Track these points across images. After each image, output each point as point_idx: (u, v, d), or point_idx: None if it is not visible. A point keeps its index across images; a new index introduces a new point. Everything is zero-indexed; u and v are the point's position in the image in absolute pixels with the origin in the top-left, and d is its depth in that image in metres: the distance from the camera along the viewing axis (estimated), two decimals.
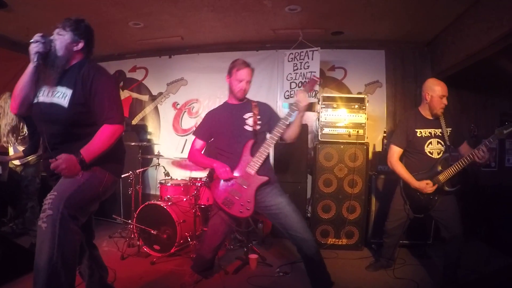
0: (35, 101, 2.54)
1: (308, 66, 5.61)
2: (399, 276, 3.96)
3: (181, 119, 6.89)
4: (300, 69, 5.67)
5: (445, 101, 3.55)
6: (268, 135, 3.32)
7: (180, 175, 6.00)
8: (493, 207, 5.31)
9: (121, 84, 7.10)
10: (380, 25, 5.44)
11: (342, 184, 4.95)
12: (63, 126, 2.48)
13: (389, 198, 4.10)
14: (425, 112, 3.71)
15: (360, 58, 6.27)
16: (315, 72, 5.53)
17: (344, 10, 4.97)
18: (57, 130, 2.50)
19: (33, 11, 5.00)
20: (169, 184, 5.13)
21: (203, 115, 6.48)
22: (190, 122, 6.88)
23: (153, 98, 7.09)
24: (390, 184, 4.08)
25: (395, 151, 3.78)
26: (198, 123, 6.54)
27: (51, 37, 2.52)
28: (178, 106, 6.92)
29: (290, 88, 5.76)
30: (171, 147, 6.72)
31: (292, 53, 5.76)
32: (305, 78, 5.62)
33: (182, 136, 6.85)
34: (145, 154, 5.83)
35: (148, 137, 7.04)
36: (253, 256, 4.29)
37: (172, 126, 6.97)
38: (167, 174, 5.49)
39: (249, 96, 3.52)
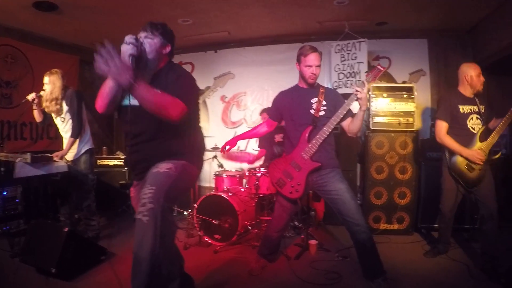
0: (126, 103, 2.58)
1: (356, 57, 5.70)
2: (452, 258, 4.11)
3: (230, 112, 7.06)
4: (348, 60, 5.75)
5: (482, 78, 3.83)
6: (328, 122, 3.36)
7: (231, 166, 6.14)
8: None
9: None
10: (422, 14, 5.49)
11: (393, 171, 5.08)
12: (152, 126, 2.55)
13: (437, 184, 4.20)
14: (465, 91, 3.90)
15: (404, 47, 6.33)
16: (362, 62, 5.64)
17: (388, 1, 5.06)
18: (145, 130, 2.59)
19: (83, 13, 5.20)
20: (224, 176, 5.26)
21: (252, 107, 6.88)
22: (239, 115, 7.05)
23: (200, 92, 7.21)
24: (438, 170, 4.15)
25: (443, 126, 3.88)
26: (247, 115, 6.81)
27: (140, 39, 2.53)
28: (226, 100, 7.08)
29: (339, 79, 5.85)
30: (221, 139, 6.68)
31: (339, 45, 5.84)
32: (353, 69, 5.72)
33: (231, 128, 7.02)
34: None
35: None
36: (313, 242, 4.43)
37: (221, 119, 7.14)
38: (221, 166, 5.65)
39: None
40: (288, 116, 3.61)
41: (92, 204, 4.76)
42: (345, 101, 3.38)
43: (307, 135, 3.42)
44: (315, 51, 3.42)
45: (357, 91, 3.20)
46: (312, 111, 3.47)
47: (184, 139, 2.69)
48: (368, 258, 3.37)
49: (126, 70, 2.21)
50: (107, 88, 2.49)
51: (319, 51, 3.48)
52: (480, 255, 3.92)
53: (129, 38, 2.42)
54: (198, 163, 2.86)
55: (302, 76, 3.52)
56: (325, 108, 3.48)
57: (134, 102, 2.49)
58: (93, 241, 4.29)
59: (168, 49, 2.70)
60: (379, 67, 3.32)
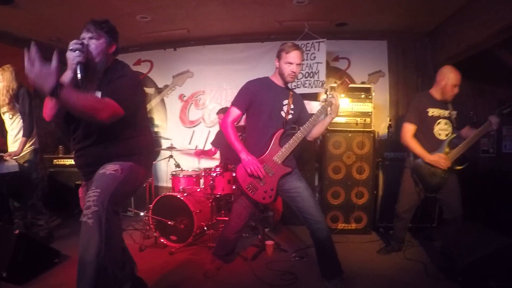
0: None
1: (315, 57, 5.74)
2: (408, 257, 4.15)
3: (188, 111, 6.96)
4: (307, 60, 5.77)
5: (456, 90, 3.74)
6: (299, 129, 3.38)
7: (188, 166, 6.08)
8: (492, 192, 5.51)
9: None
10: (383, 16, 5.57)
11: (350, 171, 5.11)
12: (95, 129, 2.50)
13: (394, 183, 4.26)
14: (436, 94, 3.86)
15: (363, 48, 6.40)
16: (321, 62, 5.69)
17: (348, 2, 5.09)
18: (89, 134, 2.53)
19: (39, 7, 5.03)
20: (181, 176, 5.19)
21: (210, 106, 6.80)
22: (197, 114, 6.96)
23: (159, 90, 7.14)
24: (396, 170, 4.23)
25: (409, 129, 3.88)
26: (205, 114, 6.72)
27: (85, 42, 2.42)
28: (185, 98, 6.98)
29: (297, 79, 5.84)
30: (179, 139, 6.77)
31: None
32: (312, 69, 5.75)
33: (189, 127, 6.93)
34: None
35: (155, 129, 7.08)
36: (269, 242, 4.41)
37: (179, 118, 7.03)
38: (178, 165, 5.57)
39: None
40: (261, 109, 3.42)
41: (37, 203, 4.64)
42: (306, 107, 3.56)
43: (279, 138, 3.38)
44: (298, 49, 3.34)
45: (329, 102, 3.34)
46: (283, 113, 3.43)
47: (130, 140, 2.63)
48: (326, 257, 3.39)
49: (48, 76, 2.06)
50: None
51: (302, 49, 3.42)
52: (439, 255, 3.98)
53: (74, 44, 2.32)
54: (146, 163, 2.80)
55: (280, 73, 3.43)
56: (292, 112, 3.47)
57: None
58: (46, 243, 4.17)
59: (113, 48, 2.60)
60: (346, 80, 3.46)
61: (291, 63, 3.31)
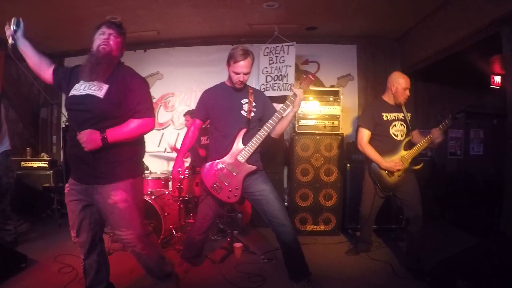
0: (69, 95, 2.67)
1: (284, 60, 5.77)
2: (375, 258, 4.22)
3: (157, 113, 6.87)
4: (276, 63, 5.81)
5: (407, 92, 3.85)
6: (263, 126, 3.34)
7: (157, 168, 6.04)
8: (459, 192, 5.64)
9: None
10: (352, 21, 5.67)
11: (318, 173, 5.15)
12: (94, 115, 2.56)
13: (362, 185, 4.29)
14: (389, 99, 3.96)
15: (333, 52, 6.50)
16: (290, 66, 5.72)
17: (319, 6, 5.16)
18: (88, 119, 2.57)
19: (8, 5, 4.89)
20: (149, 178, 5.17)
21: (179, 109, 6.77)
22: (166, 116, 6.91)
23: None
24: (363, 172, 4.25)
25: (365, 134, 3.97)
26: (174, 117, 6.70)
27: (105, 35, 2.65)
28: (154, 100, 6.83)
29: (266, 82, 5.90)
30: (148, 141, 6.51)
31: (268, 48, 5.89)
32: (281, 72, 5.77)
33: (158, 130, 6.82)
34: None
35: None
36: (238, 244, 4.41)
37: None
38: (146, 168, 5.52)
39: None
40: (217, 115, 3.48)
41: (6, 208, 4.54)
42: (271, 103, 3.54)
43: (241, 137, 3.36)
44: (247, 57, 3.27)
45: (294, 94, 3.30)
46: (243, 113, 3.42)
47: (127, 146, 2.72)
48: (293, 260, 3.41)
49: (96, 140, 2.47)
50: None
51: (252, 55, 3.35)
52: (405, 255, 4.05)
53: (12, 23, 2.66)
54: (141, 171, 2.99)
55: (229, 79, 3.42)
56: (255, 109, 3.45)
57: (77, 92, 2.61)
58: (12, 247, 4.09)
59: (123, 51, 2.79)
60: (310, 76, 3.39)
61: (238, 73, 3.29)
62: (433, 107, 6.27)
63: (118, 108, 2.60)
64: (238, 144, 3.36)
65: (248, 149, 3.33)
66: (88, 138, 2.44)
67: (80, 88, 2.61)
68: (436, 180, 5.92)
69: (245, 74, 3.32)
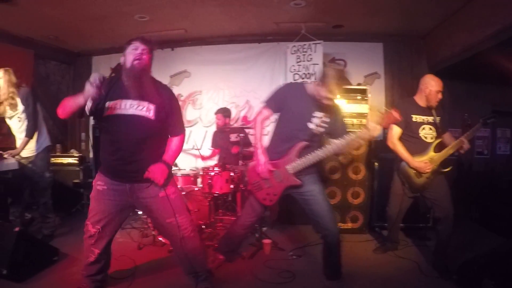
0: (114, 113, 2.73)
1: (311, 59, 5.77)
2: (403, 256, 4.24)
3: (185, 111, 6.95)
4: (303, 61, 5.82)
5: (440, 95, 3.84)
6: (324, 148, 3.24)
7: (186, 165, 6.09)
8: (486, 192, 5.59)
9: None
10: (378, 19, 5.65)
11: (346, 171, 5.16)
12: (146, 135, 2.81)
13: (390, 185, 4.30)
14: (420, 101, 3.95)
15: (359, 50, 6.50)
16: (318, 64, 5.71)
17: (345, 4, 5.15)
18: (140, 139, 2.80)
19: (38, 5, 5.03)
20: (179, 175, 5.18)
21: (207, 107, 6.81)
22: (194, 114, 7.00)
23: None
24: (391, 171, 4.26)
25: (396, 132, 3.97)
26: (202, 114, 6.75)
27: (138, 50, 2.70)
28: (182, 98, 6.97)
29: (294, 80, 5.87)
30: None
31: (295, 46, 5.89)
32: (308, 70, 5.78)
33: (186, 127, 6.76)
34: None
35: None
36: (267, 241, 4.43)
37: None
38: (175, 165, 5.58)
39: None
40: (288, 115, 3.36)
41: (49, 202, 4.65)
42: (343, 119, 3.53)
43: (298, 150, 3.27)
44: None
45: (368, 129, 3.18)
46: (311, 125, 3.28)
47: (163, 146, 3.03)
48: (330, 260, 3.48)
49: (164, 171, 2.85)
50: (74, 103, 2.62)
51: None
52: (433, 253, 4.04)
53: (94, 78, 2.48)
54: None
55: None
56: (326, 126, 3.32)
57: (123, 112, 2.73)
58: (45, 241, 4.21)
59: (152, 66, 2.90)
60: (394, 113, 3.19)
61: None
62: (458, 105, 6.21)
63: (163, 126, 2.89)
64: (292, 155, 3.29)
65: (300, 163, 3.27)
66: (160, 174, 2.80)
67: (126, 107, 2.74)
68: (463, 179, 5.87)
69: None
